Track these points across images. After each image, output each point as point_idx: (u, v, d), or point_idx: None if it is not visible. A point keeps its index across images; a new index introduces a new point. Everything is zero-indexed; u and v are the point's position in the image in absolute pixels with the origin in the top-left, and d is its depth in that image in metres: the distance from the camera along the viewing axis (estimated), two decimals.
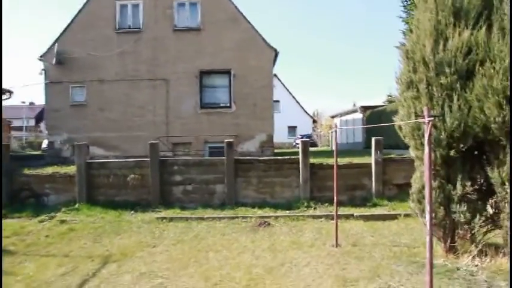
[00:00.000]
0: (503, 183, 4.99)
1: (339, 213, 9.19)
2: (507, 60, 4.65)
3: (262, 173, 10.29)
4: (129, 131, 15.49)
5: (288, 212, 9.32)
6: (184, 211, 9.73)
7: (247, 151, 15.12)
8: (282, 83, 50.35)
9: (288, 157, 10.61)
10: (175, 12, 15.58)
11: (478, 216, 5.31)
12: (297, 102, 51.27)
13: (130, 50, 15.52)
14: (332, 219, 8.70)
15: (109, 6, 15.60)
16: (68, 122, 15.66)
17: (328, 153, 14.61)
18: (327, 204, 9.69)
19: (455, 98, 5.08)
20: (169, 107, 15.49)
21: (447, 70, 5.12)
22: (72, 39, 15.57)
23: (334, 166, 6.80)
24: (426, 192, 3.47)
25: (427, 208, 3.46)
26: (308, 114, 52.20)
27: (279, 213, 9.23)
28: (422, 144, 5.47)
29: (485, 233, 5.59)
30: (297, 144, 43.50)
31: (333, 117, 36.95)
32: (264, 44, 15.32)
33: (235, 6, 15.39)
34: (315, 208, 9.55)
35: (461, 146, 5.18)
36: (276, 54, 15.48)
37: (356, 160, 11.25)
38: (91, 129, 15.66)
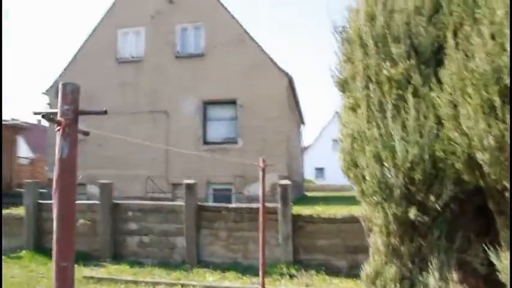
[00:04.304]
0: None
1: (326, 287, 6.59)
2: (506, 23, 2.11)
3: (233, 225, 7.90)
4: (126, 168, 13.93)
5: (253, 280, 6.81)
6: (133, 268, 7.66)
7: (255, 195, 12.73)
8: None
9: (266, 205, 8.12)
10: (177, 37, 14.11)
11: None
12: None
13: (130, 80, 14.23)
14: None
15: (110, 35, 14.58)
16: None
17: (347, 200, 11.81)
18: (313, 271, 7.08)
19: (411, 102, 2.56)
20: (169, 142, 13.75)
21: (395, 50, 2.64)
22: (75, 71, 14.67)
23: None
24: None
25: None
26: None
27: (239, 282, 6.74)
28: (364, 192, 2.93)
29: None
30: None
31: None
32: (275, 68, 13.14)
33: (242, 26, 13.55)
34: (293, 276, 6.93)
35: (433, 199, 2.58)
36: (290, 80, 13.27)
37: None
38: (89, 166, 14.30)
